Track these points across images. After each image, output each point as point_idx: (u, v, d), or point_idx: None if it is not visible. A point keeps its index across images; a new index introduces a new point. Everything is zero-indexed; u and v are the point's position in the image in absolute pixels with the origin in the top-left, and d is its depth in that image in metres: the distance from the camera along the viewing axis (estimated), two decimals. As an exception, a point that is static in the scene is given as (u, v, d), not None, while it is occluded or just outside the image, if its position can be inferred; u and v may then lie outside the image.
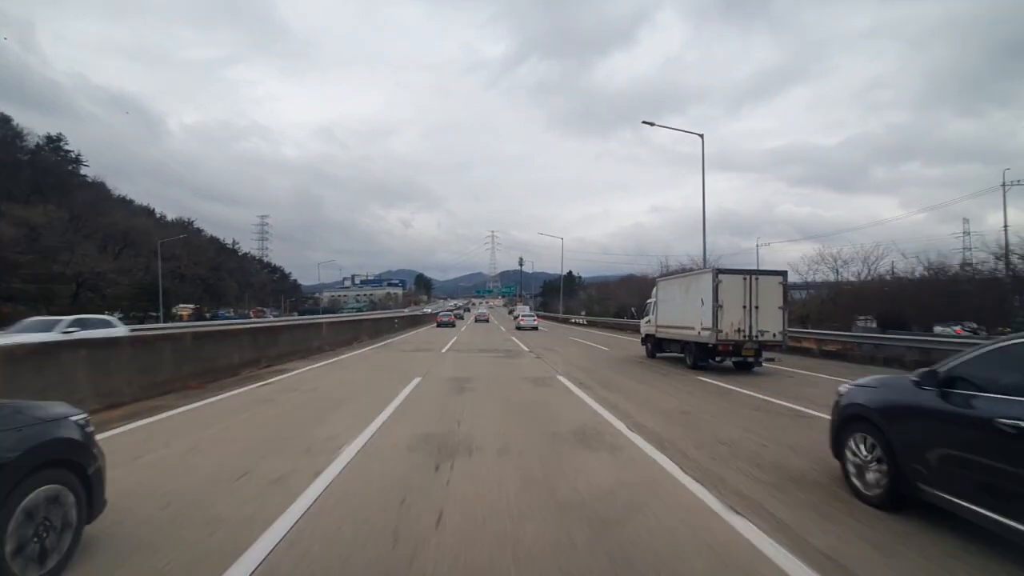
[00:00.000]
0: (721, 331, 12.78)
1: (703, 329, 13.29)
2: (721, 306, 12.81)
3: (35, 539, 2.57)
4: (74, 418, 3.04)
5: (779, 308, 13.06)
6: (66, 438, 2.86)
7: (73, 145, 64.71)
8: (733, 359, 13.14)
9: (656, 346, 17.25)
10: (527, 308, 68.87)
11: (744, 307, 12.90)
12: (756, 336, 12.88)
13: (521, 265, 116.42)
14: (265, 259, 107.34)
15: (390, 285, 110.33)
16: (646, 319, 18.27)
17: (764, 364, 13.52)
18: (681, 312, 14.76)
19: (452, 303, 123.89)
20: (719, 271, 12.99)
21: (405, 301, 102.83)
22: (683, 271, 16.01)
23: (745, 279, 12.98)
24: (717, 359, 13.31)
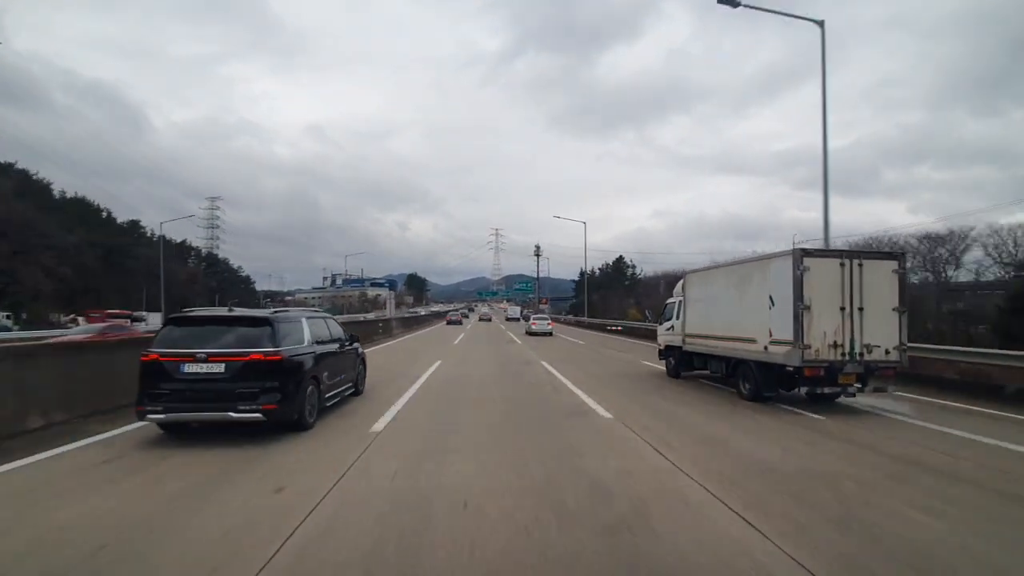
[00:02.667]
0: (808, 346, 8.06)
1: (774, 342, 8.55)
2: (807, 307, 8.09)
3: (357, 378, 9.56)
4: (360, 346, 10.22)
5: (894, 310, 8.35)
6: (363, 352, 10.34)
7: (56, 142, 58.21)
8: (822, 389, 8.33)
9: (682, 362, 12.51)
10: (518, 309, 74.06)
11: (842, 308, 8.20)
12: (861, 354, 8.16)
13: (538, 255, 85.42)
14: (213, 251, 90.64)
15: (373, 285, 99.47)
16: (667, 325, 13.52)
17: (860, 395, 8.71)
18: (731, 316, 10.02)
19: (452, 306, 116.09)
20: (804, 252, 8.29)
21: (387, 303, 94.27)
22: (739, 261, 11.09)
23: (843, 265, 8.28)
24: (803, 389, 8.45)
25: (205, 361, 6.11)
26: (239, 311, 7.09)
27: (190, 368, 6.10)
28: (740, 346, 9.66)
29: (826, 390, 8.30)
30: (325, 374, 7.54)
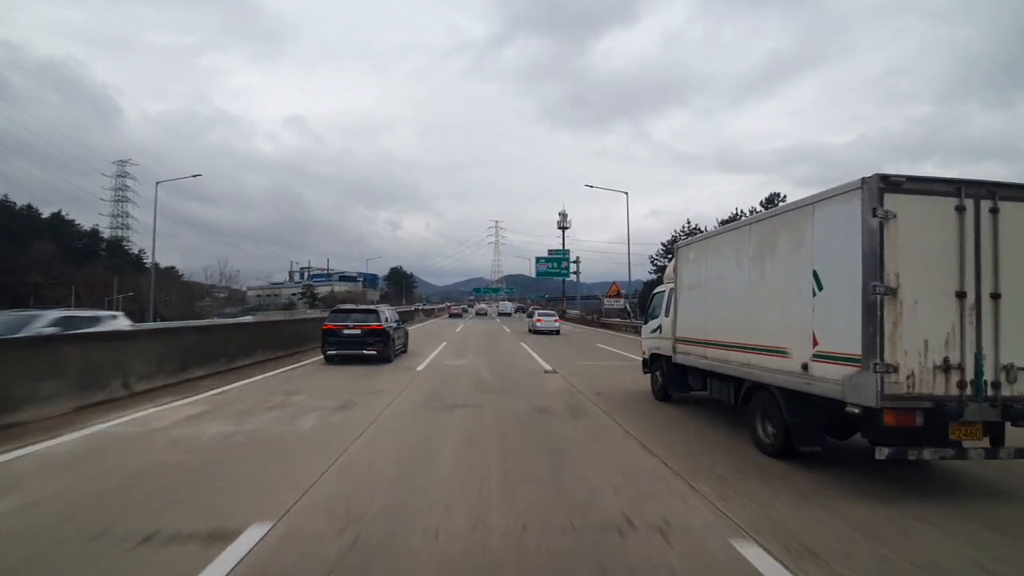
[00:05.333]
0: (893, 367, 4.25)
1: (824, 357, 4.80)
2: (892, 291, 4.28)
3: (406, 342, 17.34)
4: (406, 325, 19.00)
5: (1059, 299, 4.50)
6: (406, 328, 18.46)
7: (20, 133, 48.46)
8: (918, 451, 4.48)
9: (673, 379, 8.82)
10: (508, 304, 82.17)
11: (961, 295, 4.38)
12: (996, 384, 4.36)
13: (564, 227, 65.54)
14: (118, 232, 73.43)
15: (344, 280, 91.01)
16: (653, 325, 9.85)
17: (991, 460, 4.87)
18: (743, 309, 6.28)
19: (441, 305, 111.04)
20: (887, 182, 4.40)
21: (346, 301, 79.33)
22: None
23: (962, 210, 4.45)
24: (881, 448, 4.58)
25: (353, 328, 13.87)
26: (362, 306, 16.94)
27: (346, 331, 13.83)
28: (759, 361, 5.88)
29: (926, 452, 4.51)
30: (394, 337, 15.10)
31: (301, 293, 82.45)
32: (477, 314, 69.25)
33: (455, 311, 65.56)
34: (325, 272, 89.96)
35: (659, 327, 9.37)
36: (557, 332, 29.98)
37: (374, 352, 13.73)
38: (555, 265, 62.48)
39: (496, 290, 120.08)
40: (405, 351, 16.81)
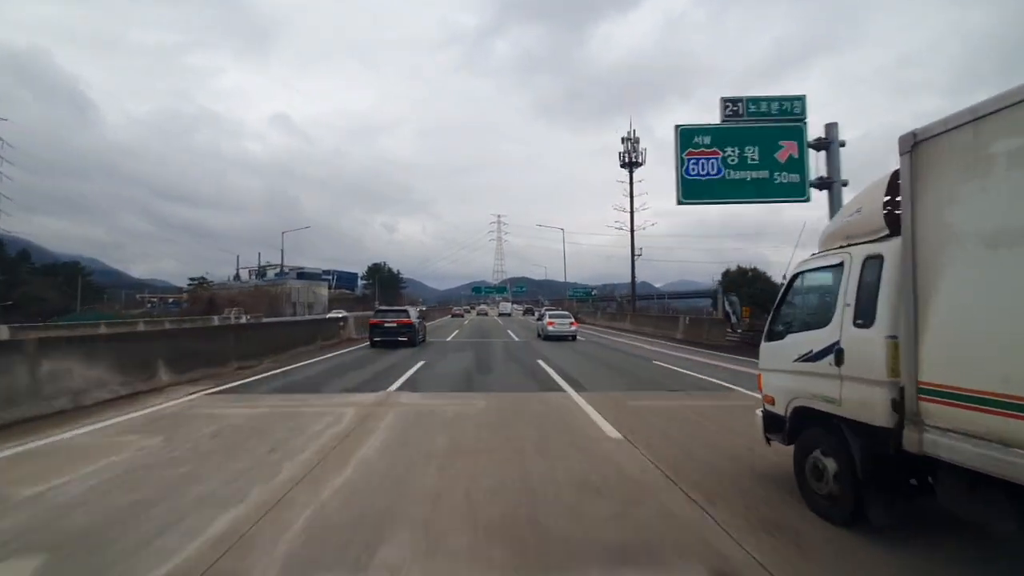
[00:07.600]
0: None
1: None
2: None
3: (423, 334, 23.88)
4: (424, 321, 26.48)
5: None
6: (424, 324, 25.55)
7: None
8: None
9: (889, 481, 3.77)
10: (509, 304, 79.31)
11: None
12: None
13: (633, 162, 43.18)
14: None
15: (303, 277, 79.64)
16: (804, 345, 4.62)
17: None
18: None
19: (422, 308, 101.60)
20: None
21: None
22: None
23: None
24: None
25: (392, 322, 20.65)
26: (396, 307, 25.24)
27: (387, 324, 20.54)
28: None
29: None
30: (419, 329, 22.12)
31: (193, 297, 66.68)
32: (478, 314, 75.15)
33: (457, 312, 73.97)
34: (281, 271, 79.19)
35: (832, 349, 4.15)
36: (573, 337, 26.13)
37: (405, 339, 20.41)
38: (759, 146, 18.90)
39: (502, 290, 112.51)
40: (424, 340, 23.50)
